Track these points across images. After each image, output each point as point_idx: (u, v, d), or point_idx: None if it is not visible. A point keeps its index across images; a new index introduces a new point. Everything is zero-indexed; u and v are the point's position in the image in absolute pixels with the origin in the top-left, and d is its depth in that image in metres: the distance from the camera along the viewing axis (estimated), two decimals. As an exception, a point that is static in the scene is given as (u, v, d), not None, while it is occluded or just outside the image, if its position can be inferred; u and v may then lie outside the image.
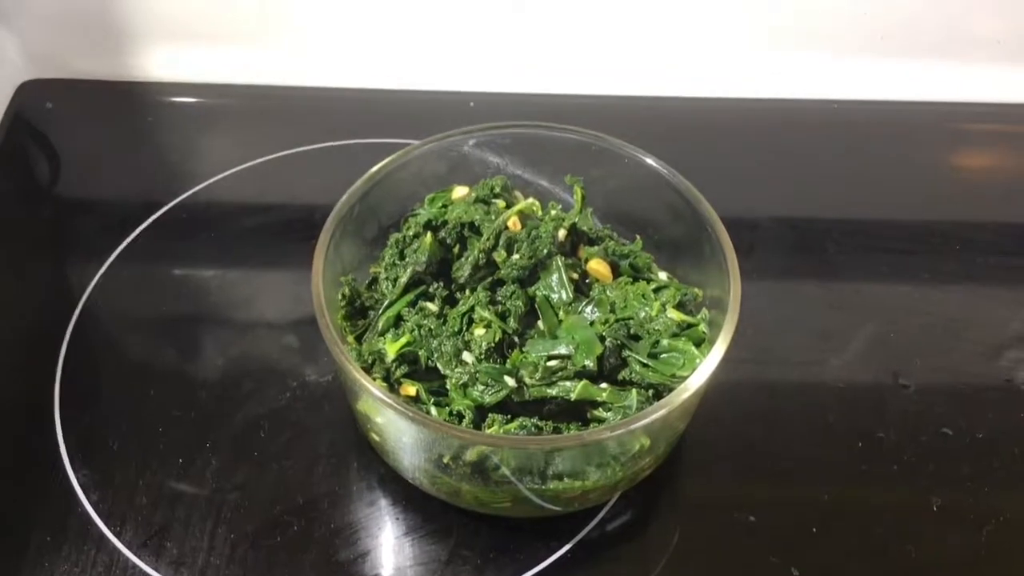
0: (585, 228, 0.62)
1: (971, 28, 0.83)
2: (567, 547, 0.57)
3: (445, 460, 0.52)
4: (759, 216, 0.76)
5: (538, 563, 0.56)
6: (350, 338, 0.58)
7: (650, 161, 0.61)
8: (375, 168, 0.60)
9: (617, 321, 0.56)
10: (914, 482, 0.61)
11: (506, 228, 0.59)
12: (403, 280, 0.58)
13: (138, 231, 0.73)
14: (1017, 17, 0.82)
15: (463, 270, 0.58)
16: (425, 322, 0.56)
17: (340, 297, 0.58)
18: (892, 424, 0.63)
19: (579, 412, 0.54)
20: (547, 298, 0.58)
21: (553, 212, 0.63)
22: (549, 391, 0.53)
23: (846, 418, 0.64)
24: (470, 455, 0.50)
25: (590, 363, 0.53)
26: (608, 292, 0.58)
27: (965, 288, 0.73)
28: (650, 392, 0.54)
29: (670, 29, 0.84)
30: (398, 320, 0.57)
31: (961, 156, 0.84)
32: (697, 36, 0.84)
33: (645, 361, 0.54)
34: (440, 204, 0.62)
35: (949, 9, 0.81)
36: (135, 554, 0.56)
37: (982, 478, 0.61)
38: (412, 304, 0.58)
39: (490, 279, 0.58)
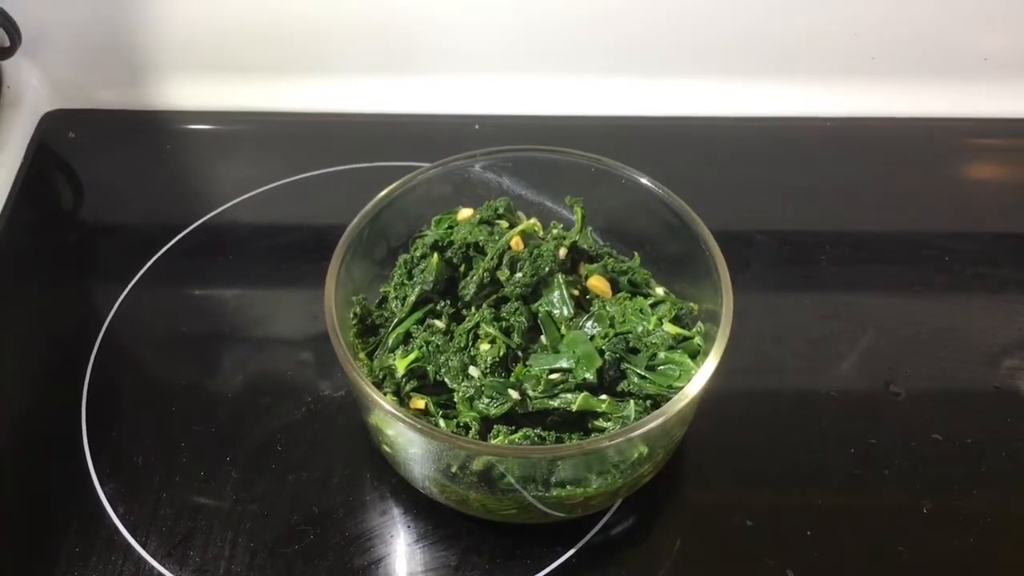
0: (585, 246, 0.63)
1: (957, 46, 0.85)
2: (572, 551, 0.59)
3: (453, 470, 0.54)
4: (754, 231, 0.78)
5: (544, 567, 0.58)
6: (362, 355, 0.60)
7: (646, 182, 0.62)
8: (383, 192, 0.61)
9: (616, 335, 0.58)
10: (905, 486, 0.62)
11: (509, 248, 0.61)
12: (411, 299, 0.60)
13: (159, 254, 0.76)
14: (1002, 35, 0.84)
15: (469, 288, 0.60)
16: (433, 339, 0.58)
17: (352, 316, 0.60)
18: (884, 430, 0.65)
19: (580, 422, 0.56)
20: (549, 314, 0.60)
21: (555, 231, 0.64)
22: (551, 403, 0.55)
23: (839, 425, 0.65)
24: (477, 464, 0.53)
25: (590, 376, 0.55)
26: (607, 307, 0.60)
27: (954, 298, 0.74)
28: (648, 402, 0.56)
29: (666, 52, 0.86)
30: (407, 337, 0.59)
31: (949, 170, 0.86)
32: (691, 58, 0.86)
33: (643, 373, 0.56)
34: (446, 225, 0.64)
35: (936, 29, 0.84)
36: (160, 563, 0.58)
37: (971, 482, 0.63)
38: (420, 322, 0.60)
39: (494, 296, 0.60)
